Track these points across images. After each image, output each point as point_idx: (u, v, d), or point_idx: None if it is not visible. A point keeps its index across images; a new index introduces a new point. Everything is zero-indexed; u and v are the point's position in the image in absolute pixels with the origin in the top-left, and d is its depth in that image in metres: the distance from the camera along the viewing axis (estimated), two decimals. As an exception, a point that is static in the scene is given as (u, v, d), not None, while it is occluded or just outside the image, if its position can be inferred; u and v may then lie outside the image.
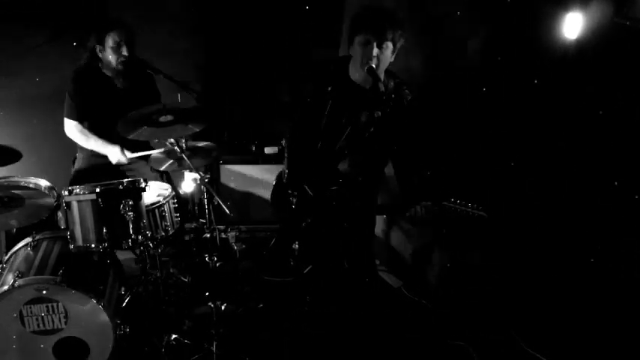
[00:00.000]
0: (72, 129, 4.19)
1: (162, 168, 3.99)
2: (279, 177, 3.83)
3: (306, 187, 3.53)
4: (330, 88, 3.39)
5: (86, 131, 4.19)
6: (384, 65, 3.29)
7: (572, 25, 3.69)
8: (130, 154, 4.10)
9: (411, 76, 3.87)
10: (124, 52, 4.05)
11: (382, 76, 3.31)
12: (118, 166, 4.13)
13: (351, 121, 3.40)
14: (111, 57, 4.09)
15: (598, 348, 3.48)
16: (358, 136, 3.42)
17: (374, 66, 3.21)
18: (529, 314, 3.82)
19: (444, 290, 4.06)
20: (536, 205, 3.87)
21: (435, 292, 4.08)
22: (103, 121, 4.16)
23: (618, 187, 3.56)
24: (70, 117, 4.19)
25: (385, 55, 3.24)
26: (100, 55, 4.10)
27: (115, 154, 4.08)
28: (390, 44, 3.23)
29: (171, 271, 4.20)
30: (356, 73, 3.42)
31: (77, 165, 4.32)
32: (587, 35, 3.68)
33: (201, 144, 4.06)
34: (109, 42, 4.05)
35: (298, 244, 3.87)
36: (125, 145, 4.08)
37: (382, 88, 3.24)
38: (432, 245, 4.13)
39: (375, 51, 3.20)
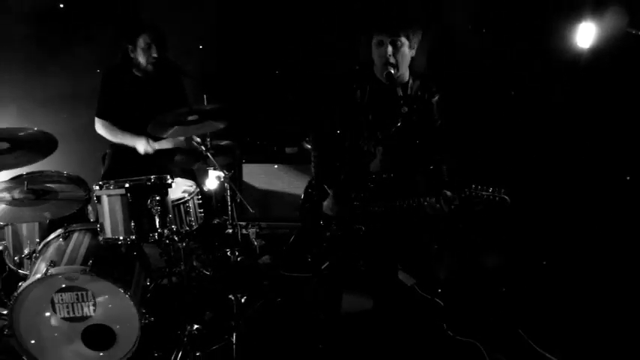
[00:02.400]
0: (100, 124, 4.24)
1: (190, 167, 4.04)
2: (308, 189, 3.81)
3: (327, 188, 3.51)
4: (355, 87, 3.37)
5: (113, 127, 4.24)
6: (405, 63, 3.23)
7: (586, 35, 3.69)
8: (156, 145, 4.15)
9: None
10: (154, 54, 4.10)
11: (406, 74, 3.29)
12: (146, 163, 4.15)
13: (379, 118, 3.36)
14: (141, 57, 4.15)
15: (608, 348, 3.45)
16: (387, 133, 3.38)
17: (392, 71, 3.17)
18: (537, 314, 3.79)
19: (456, 290, 4.04)
20: (551, 200, 3.87)
21: (446, 291, 4.06)
22: (131, 117, 4.21)
23: (630, 184, 3.58)
24: (99, 113, 4.25)
25: (402, 52, 3.17)
26: (131, 55, 4.15)
27: (142, 144, 4.14)
28: (404, 40, 3.16)
29: (194, 264, 4.21)
30: (379, 72, 3.37)
31: (107, 161, 4.37)
32: (600, 44, 3.68)
33: (224, 143, 4.09)
34: (140, 43, 4.11)
35: (317, 243, 3.90)
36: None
37: (400, 93, 3.25)
38: (445, 245, 4.08)
39: (390, 50, 3.15)
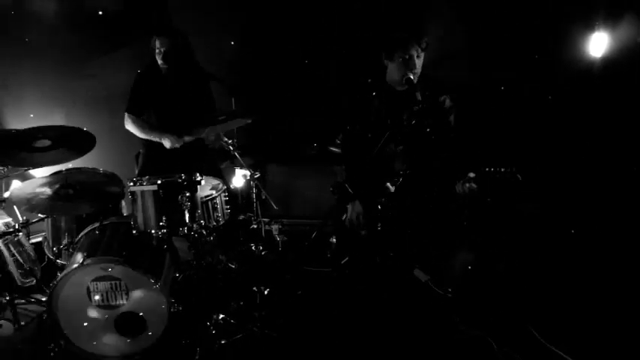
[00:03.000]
0: (129, 120, 4.27)
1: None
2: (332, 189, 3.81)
3: (347, 187, 3.55)
4: (374, 94, 3.50)
5: (141, 122, 4.26)
6: (418, 72, 3.44)
7: (598, 44, 3.69)
8: (184, 138, 4.14)
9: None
10: (165, 58, 4.11)
11: (416, 79, 3.42)
12: (178, 162, 4.15)
13: (394, 120, 3.47)
14: (158, 59, 4.17)
15: (612, 343, 3.44)
16: (402, 131, 3.47)
17: (412, 77, 3.35)
18: (545, 310, 3.78)
19: (468, 286, 4.02)
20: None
21: (459, 288, 4.03)
22: (157, 115, 4.26)
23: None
24: (128, 109, 4.27)
25: (419, 62, 3.42)
26: (156, 58, 4.19)
27: (168, 140, 4.14)
28: (422, 54, 3.42)
29: (220, 257, 4.21)
30: (394, 81, 3.52)
31: (141, 160, 4.41)
32: (612, 54, 3.68)
33: (250, 144, 4.14)
34: (156, 46, 4.14)
35: (336, 239, 3.89)
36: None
37: (420, 97, 3.35)
38: (458, 244, 4.09)
39: (418, 63, 3.38)
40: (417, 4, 4.53)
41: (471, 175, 3.32)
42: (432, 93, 3.51)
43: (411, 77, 3.39)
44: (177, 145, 4.13)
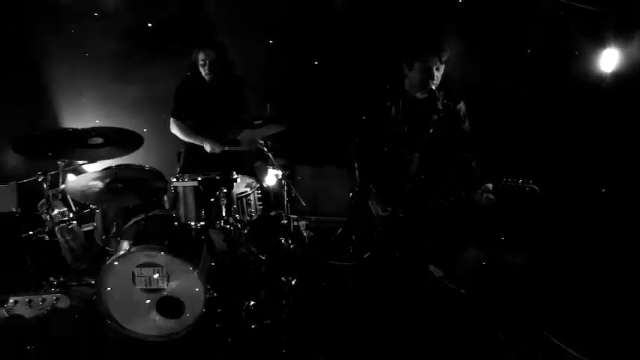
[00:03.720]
0: (174, 124, 4.32)
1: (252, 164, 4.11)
2: (354, 189, 3.80)
3: (372, 187, 3.51)
4: (389, 103, 3.42)
5: (185, 127, 4.31)
6: (437, 82, 3.35)
7: (609, 60, 3.65)
8: (225, 148, 4.18)
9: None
10: (208, 69, 4.16)
11: (435, 87, 3.37)
12: (215, 160, 4.19)
13: (412, 127, 3.42)
14: (202, 71, 4.21)
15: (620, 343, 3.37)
16: (421, 139, 3.43)
17: (433, 87, 3.29)
18: (555, 309, 3.72)
19: (480, 284, 3.98)
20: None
21: (472, 285, 4.00)
22: (198, 119, 4.30)
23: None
24: (173, 114, 4.33)
25: (439, 74, 3.33)
26: (198, 68, 4.23)
27: (209, 145, 4.19)
28: (442, 66, 3.32)
29: (252, 249, 4.21)
30: (412, 89, 3.45)
31: (182, 158, 4.44)
32: (622, 69, 3.64)
33: (281, 146, 4.14)
34: (200, 59, 4.18)
35: (358, 237, 3.88)
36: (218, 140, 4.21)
37: (440, 107, 3.31)
38: (472, 243, 4.04)
39: (437, 74, 3.29)
40: (440, 17, 4.48)
41: (489, 185, 3.25)
42: (450, 101, 3.44)
43: (433, 88, 3.31)
44: (217, 151, 4.18)
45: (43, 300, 2.58)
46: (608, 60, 3.66)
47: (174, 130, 4.35)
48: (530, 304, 3.76)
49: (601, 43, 3.74)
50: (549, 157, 4.07)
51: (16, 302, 2.55)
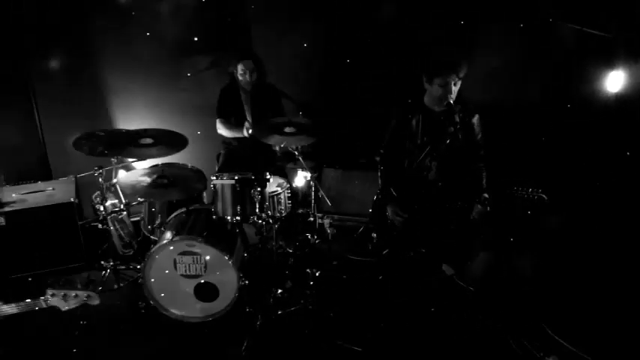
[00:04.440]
0: (219, 124, 4.41)
1: (282, 165, 4.18)
2: (377, 192, 3.78)
3: (392, 192, 3.51)
4: (410, 116, 3.43)
5: (228, 124, 4.38)
6: (454, 96, 3.36)
7: (615, 81, 3.64)
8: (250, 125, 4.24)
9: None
10: (247, 78, 4.25)
11: (452, 101, 3.37)
12: (251, 162, 4.22)
13: (431, 138, 3.42)
14: (242, 79, 4.31)
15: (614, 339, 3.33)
16: (438, 149, 3.42)
17: (451, 101, 3.30)
18: (556, 307, 3.66)
19: (488, 283, 3.95)
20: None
21: (480, 284, 3.96)
22: (237, 121, 4.36)
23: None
24: (219, 116, 4.42)
25: (456, 89, 3.34)
26: (237, 77, 4.33)
27: (246, 130, 4.22)
28: (459, 82, 3.33)
29: (280, 243, 4.24)
30: (431, 102, 3.46)
31: (221, 159, 4.49)
32: (627, 90, 3.62)
33: (310, 150, 4.18)
34: (240, 69, 4.27)
35: (377, 234, 3.90)
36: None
37: (457, 120, 3.31)
38: (481, 245, 4.00)
39: (454, 89, 3.31)
40: (460, 36, 4.46)
41: (485, 195, 3.26)
42: (466, 114, 3.43)
43: (451, 102, 3.31)
44: (249, 127, 4.22)
45: (76, 295, 2.74)
46: (615, 81, 3.64)
47: (220, 128, 4.42)
48: (534, 301, 3.72)
49: (609, 65, 3.71)
50: (557, 167, 4.04)
51: (52, 295, 2.70)
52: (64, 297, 2.73)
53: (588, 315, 3.50)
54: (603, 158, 3.80)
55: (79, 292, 2.74)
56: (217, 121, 4.43)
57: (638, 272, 3.51)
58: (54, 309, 2.75)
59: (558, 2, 3.86)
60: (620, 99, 3.64)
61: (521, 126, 4.23)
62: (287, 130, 3.80)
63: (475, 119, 3.49)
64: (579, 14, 3.73)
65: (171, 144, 3.88)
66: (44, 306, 2.73)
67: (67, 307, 2.76)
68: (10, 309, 2.70)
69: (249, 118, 4.36)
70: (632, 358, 3.23)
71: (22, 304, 2.70)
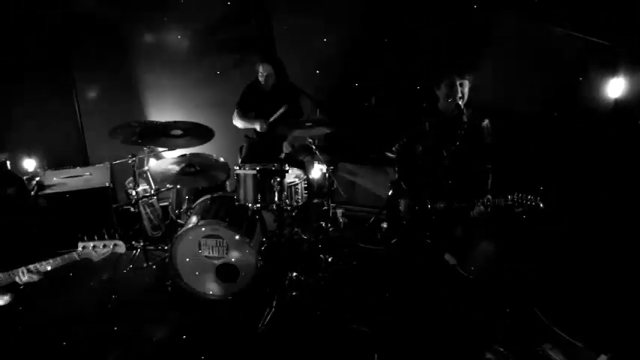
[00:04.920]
0: (235, 114, 4.48)
1: (301, 158, 4.21)
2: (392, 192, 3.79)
3: (402, 184, 3.51)
4: (424, 119, 3.43)
5: (242, 114, 4.45)
6: (465, 98, 3.36)
7: (616, 88, 3.64)
8: (265, 124, 4.29)
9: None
10: (265, 80, 4.30)
11: (462, 103, 3.36)
12: (271, 154, 4.28)
13: (442, 140, 3.42)
14: (261, 79, 4.34)
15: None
16: (448, 150, 3.42)
17: (460, 102, 3.30)
18: (549, 296, 3.66)
19: (486, 272, 3.88)
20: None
21: (479, 273, 3.89)
22: (255, 116, 4.44)
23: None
24: (238, 106, 4.48)
25: (465, 91, 3.33)
26: (258, 77, 4.39)
27: (258, 124, 4.31)
28: (466, 82, 3.32)
29: (296, 230, 4.32)
30: (444, 107, 3.44)
31: (244, 151, 4.56)
32: (627, 96, 3.62)
33: (326, 145, 4.23)
34: (260, 71, 4.31)
35: (387, 224, 3.93)
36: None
37: (465, 120, 3.31)
38: (481, 237, 3.91)
39: (459, 89, 3.30)
40: (467, 48, 4.41)
41: (488, 197, 3.23)
42: (476, 118, 3.41)
43: (459, 102, 3.30)
44: (265, 127, 4.28)
45: (104, 246, 2.86)
46: (615, 87, 3.64)
47: (235, 118, 4.46)
48: (529, 291, 3.74)
49: (610, 72, 3.70)
50: (556, 174, 4.00)
51: (84, 248, 2.83)
52: (94, 248, 2.84)
53: (580, 304, 3.51)
54: (602, 165, 3.77)
55: (107, 242, 2.87)
56: (235, 111, 4.48)
57: (628, 268, 3.50)
58: (86, 260, 2.87)
59: (562, 11, 3.84)
60: (620, 105, 3.62)
61: (525, 132, 4.15)
62: (307, 124, 3.89)
63: (485, 123, 3.48)
64: (582, 23, 3.73)
65: (199, 135, 3.95)
66: (77, 258, 2.83)
67: (98, 258, 2.87)
68: (47, 265, 2.80)
69: (265, 115, 4.40)
70: (619, 342, 3.24)
71: (57, 259, 2.80)
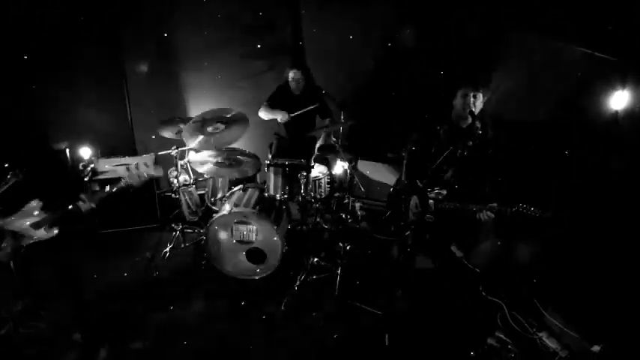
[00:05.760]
0: (261, 108, 4.43)
1: (326, 156, 4.26)
2: (395, 185, 3.75)
3: (418, 182, 3.49)
4: (438, 127, 3.41)
5: (267, 107, 4.38)
6: (477, 110, 3.30)
7: (619, 100, 3.61)
8: (287, 116, 4.26)
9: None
10: (295, 85, 4.31)
11: (476, 111, 3.30)
12: (298, 151, 4.30)
13: (452, 147, 3.39)
14: (291, 83, 4.33)
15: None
16: (456, 156, 3.40)
17: (473, 109, 3.25)
18: (550, 288, 3.63)
19: (491, 265, 3.92)
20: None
21: (484, 266, 3.94)
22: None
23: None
24: (267, 101, 4.43)
25: (478, 103, 3.28)
26: (289, 81, 4.40)
27: (280, 115, 4.28)
28: (480, 95, 3.26)
29: (318, 220, 4.37)
30: (457, 117, 3.39)
31: (274, 148, 4.62)
32: (629, 108, 3.58)
33: (348, 144, 4.28)
34: (290, 76, 4.33)
35: (392, 221, 3.85)
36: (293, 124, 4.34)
37: (478, 126, 3.28)
38: (485, 235, 3.93)
39: (472, 100, 3.24)
40: (483, 61, 4.37)
41: (494, 205, 3.18)
42: (487, 129, 3.34)
43: (473, 109, 3.25)
44: (287, 118, 4.25)
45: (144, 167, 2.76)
46: (619, 100, 3.60)
47: (261, 109, 4.41)
48: (530, 284, 3.72)
49: (615, 86, 3.65)
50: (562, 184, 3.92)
51: (128, 170, 2.77)
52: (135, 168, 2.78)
53: (577, 299, 3.49)
54: (602, 171, 3.71)
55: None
56: (263, 104, 4.45)
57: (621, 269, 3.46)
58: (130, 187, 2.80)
59: (570, 28, 3.79)
60: (624, 117, 3.58)
61: (533, 142, 4.10)
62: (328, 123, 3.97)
63: (491, 135, 3.41)
64: (590, 39, 3.69)
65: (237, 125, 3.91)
66: (123, 185, 2.77)
67: (138, 181, 2.77)
68: (101, 193, 2.78)
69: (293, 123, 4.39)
70: (611, 334, 3.23)
71: (108, 187, 2.78)
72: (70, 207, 2.76)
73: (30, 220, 2.87)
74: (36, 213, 2.88)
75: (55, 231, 2.91)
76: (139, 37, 4.77)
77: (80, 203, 2.77)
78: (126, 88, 4.90)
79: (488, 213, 3.18)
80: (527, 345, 3.32)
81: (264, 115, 4.43)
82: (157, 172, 2.72)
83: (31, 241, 2.87)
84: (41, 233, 2.86)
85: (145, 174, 2.71)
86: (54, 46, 4.32)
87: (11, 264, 2.86)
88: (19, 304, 3.32)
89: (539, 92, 4.05)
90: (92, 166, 4.41)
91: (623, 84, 3.64)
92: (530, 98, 4.10)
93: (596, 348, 3.21)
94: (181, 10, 4.74)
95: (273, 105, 4.42)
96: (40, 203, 2.92)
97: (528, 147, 3.92)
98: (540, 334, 3.38)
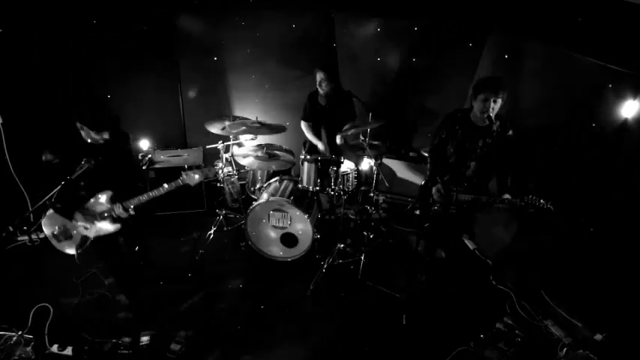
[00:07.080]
0: (303, 124, 4.38)
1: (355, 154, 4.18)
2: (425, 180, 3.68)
3: (440, 180, 3.45)
4: (457, 127, 3.36)
5: (308, 128, 4.34)
6: (495, 112, 3.21)
7: (629, 109, 3.49)
8: (327, 151, 4.22)
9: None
10: (324, 87, 4.06)
11: (493, 115, 3.22)
12: (329, 147, 4.26)
13: (472, 145, 3.34)
14: (318, 86, 4.09)
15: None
16: (475, 154, 3.35)
17: (491, 115, 3.17)
18: (556, 280, 3.58)
19: (502, 258, 3.89)
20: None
21: (496, 258, 3.90)
22: (316, 123, 4.35)
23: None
24: (303, 117, 4.35)
25: (496, 106, 3.18)
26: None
27: (321, 145, 4.24)
28: (499, 100, 3.17)
29: (345, 210, 4.36)
30: (476, 117, 3.32)
31: (307, 145, 4.52)
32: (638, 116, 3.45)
33: (375, 143, 4.17)
34: (317, 77, 4.05)
35: (420, 211, 3.83)
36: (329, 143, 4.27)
37: (495, 128, 3.23)
38: (499, 226, 3.92)
39: (492, 105, 3.16)
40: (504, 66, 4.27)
41: (507, 196, 3.14)
42: (503, 129, 3.28)
43: (490, 114, 3.16)
44: (326, 150, 4.17)
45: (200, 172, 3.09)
46: (629, 109, 3.48)
47: (303, 127, 4.39)
48: (538, 275, 3.67)
49: (627, 97, 3.52)
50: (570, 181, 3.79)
51: (185, 174, 3.08)
52: (193, 172, 3.08)
53: (582, 291, 3.44)
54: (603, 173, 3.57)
55: (202, 170, 3.12)
56: (302, 122, 4.39)
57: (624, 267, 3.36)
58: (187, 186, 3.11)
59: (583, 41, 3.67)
60: (634, 125, 3.45)
61: (546, 144, 3.96)
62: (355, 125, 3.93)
63: (510, 133, 3.33)
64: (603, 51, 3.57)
65: (273, 130, 4.01)
66: (180, 183, 3.08)
67: (194, 182, 3.09)
68: (161, 189, 3.06)
69: (324, 127, 4.27)
70: (613, 324, 3.19)
71: (166, 185, 3.07)
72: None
73: (100, 208, 3.05)
74: (104, 202, 3.04)
75: (119, 225, 3.09)
76: (191, 62, 4.86)
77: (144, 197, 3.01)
78: (180, 89, 4.99)
79: (499, 206, 3.13)
80: (534, 331, 3.29)
81: (306, 133, 4.38)
82: (211, 174, 3.15)
83: (101, 234, 3.07)
84: (107, 226, 3.04)
85: (202, 177, 3.08)
86: (127, 72, 4.58)
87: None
88: (109, 278, 3.61)
89: (551, 97, 3.93)
90: (149, 156, 4.59)
91: (634, 95, 3.52)
92: (543, 102, 3.99)
93: (598, 336, 3.18)
94: (225, 36, 4.78)
95: (307, 119, 4.33)
96: (110, 193, 3.08)
97: (551, 147, 3.79)
98: (546, 322, 3.35)
